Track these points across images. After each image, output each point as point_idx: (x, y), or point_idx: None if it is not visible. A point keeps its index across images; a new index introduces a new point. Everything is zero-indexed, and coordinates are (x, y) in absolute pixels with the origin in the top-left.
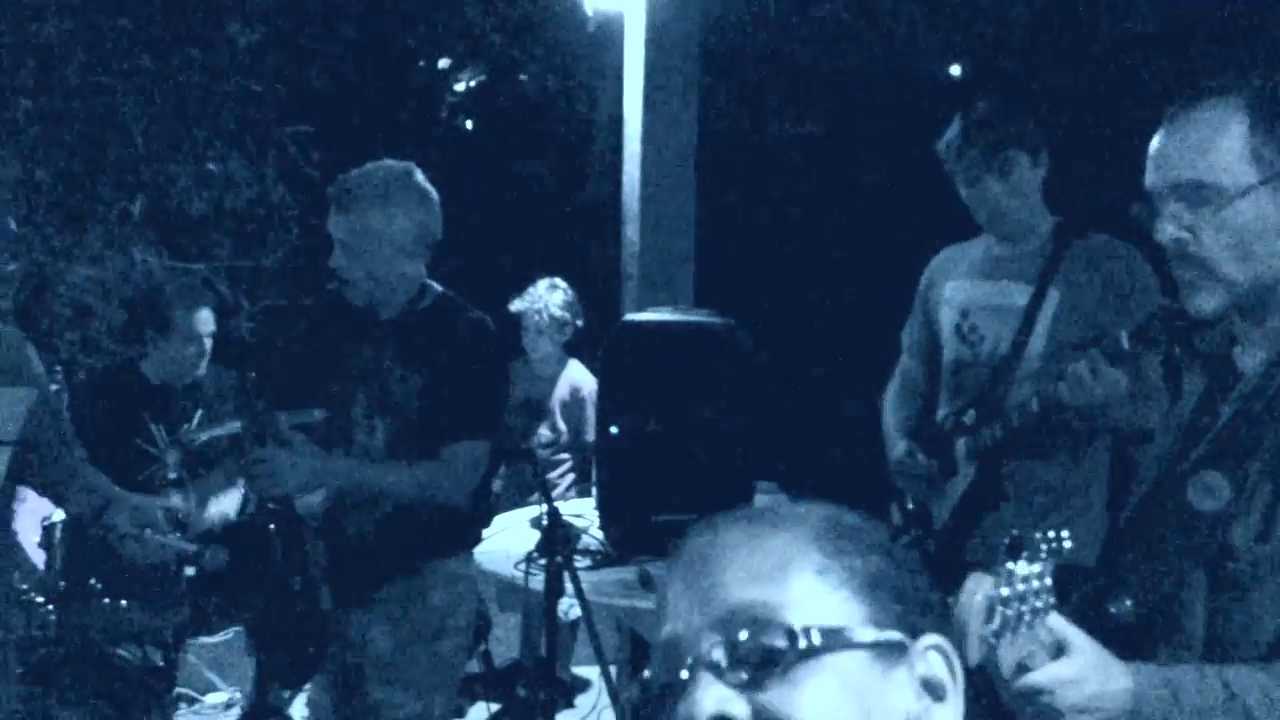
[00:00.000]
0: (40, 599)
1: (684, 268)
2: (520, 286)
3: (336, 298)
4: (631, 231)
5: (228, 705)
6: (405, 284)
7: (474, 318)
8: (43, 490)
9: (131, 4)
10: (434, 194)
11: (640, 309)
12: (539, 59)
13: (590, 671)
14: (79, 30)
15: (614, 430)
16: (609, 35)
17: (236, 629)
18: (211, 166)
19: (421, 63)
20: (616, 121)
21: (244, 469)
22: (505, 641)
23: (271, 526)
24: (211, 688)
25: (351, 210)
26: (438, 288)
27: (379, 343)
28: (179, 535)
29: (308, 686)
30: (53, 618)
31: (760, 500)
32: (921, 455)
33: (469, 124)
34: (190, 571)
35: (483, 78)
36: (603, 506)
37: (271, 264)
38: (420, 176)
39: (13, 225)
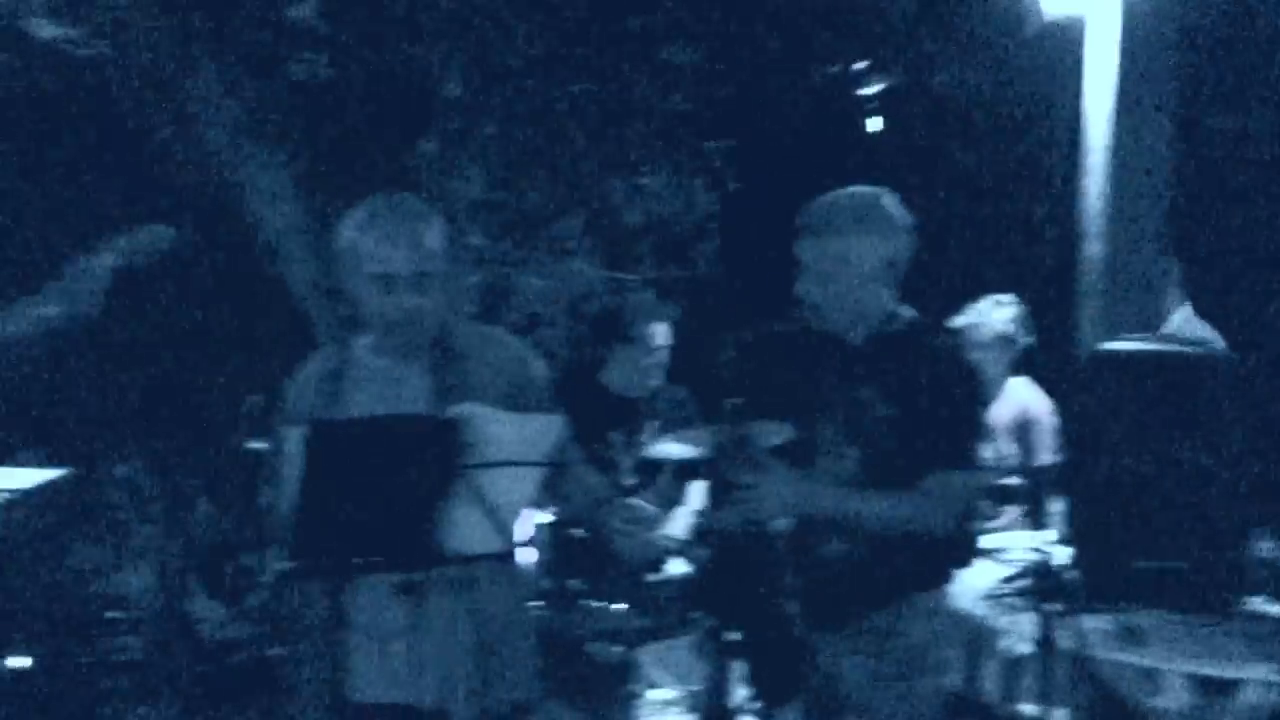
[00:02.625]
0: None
1: (1156, 290)
2: (954, 302)
3: (803, 323)
4: (1091, 248)
5: (667, 704)
6: (876, 309)
7: (950, 343)
8: (550, 497)
9: (577, 32)
10: (906, 219)
11: (1103, 331)
12: (969, 62)
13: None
14: (537, 59)
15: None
16: (1061, 38)
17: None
18: (644, 180)
19: (833, 66)
20: (1069, 129)
21: (722, 489)
22: None
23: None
24: (653, 684)
25: (823, 235)
26: (910, 312)
27: (848, 369)
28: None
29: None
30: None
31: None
32: None
33: (880, 126)
34: (670, 573)
35: (899, 80)
36: (1076, 546)
37: (694, 274)
38: (889, 201)
39: (475, 240)
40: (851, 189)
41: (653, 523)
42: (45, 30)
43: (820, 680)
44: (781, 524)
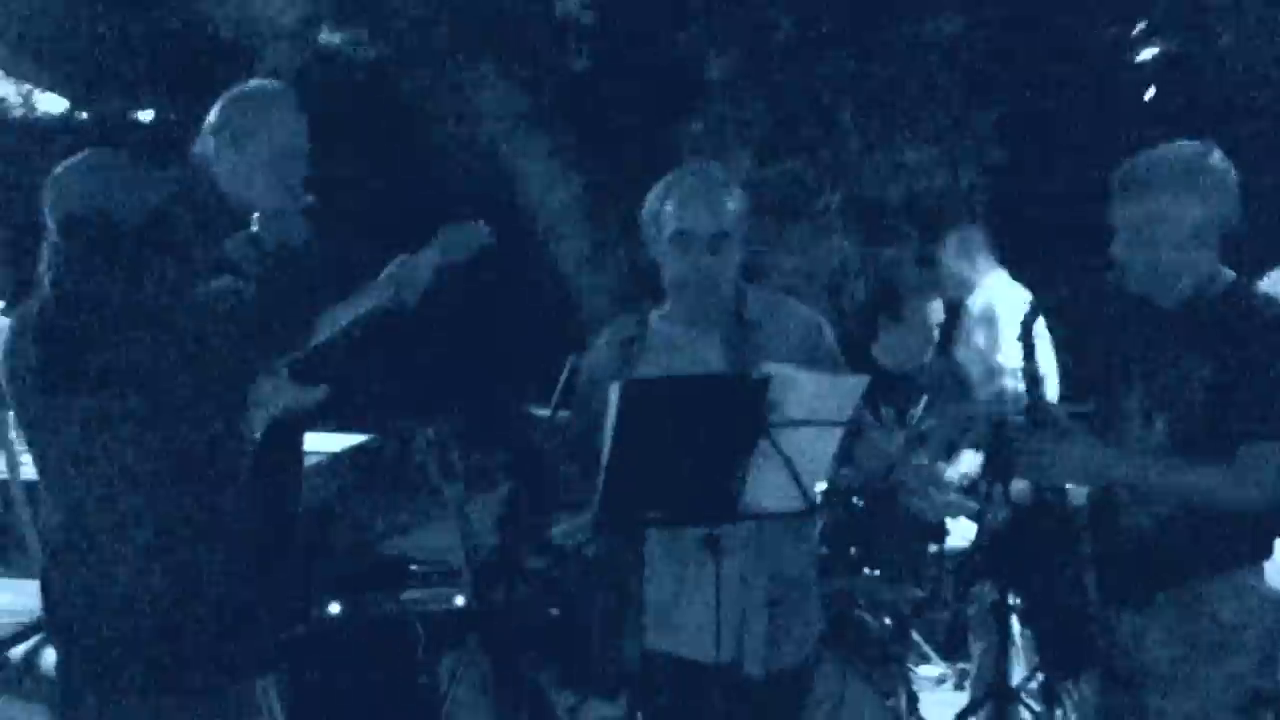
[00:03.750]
0: None
1: None
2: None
3: (1113, 286)
4: None
5: (939, 680)
6: (1193, 273)
7: (1273, 308)
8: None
9: (840, 6)
10: (1232, 176)
11: None
12: (1253, 23)
13: None
14: (800, 36)
15: None
16: None
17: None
18: (906, 155)
19: (1107, 31)
20: None
21: (1013, 454)
22: None
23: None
24: (926, 660)
25: (1141, 194)
26: (1229, 274)
27: (1160, 333)
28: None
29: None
30: None
31: None
32: None
33: (1150, 95)
34: (949, 545)
35: (1172, 46)
36: None
37: None
38: (1218, 156)
39: None
40: (1176, 143)
41: (947, 484)
42: (334, 36)
43: (1117, 655)
44: (1081, 491)
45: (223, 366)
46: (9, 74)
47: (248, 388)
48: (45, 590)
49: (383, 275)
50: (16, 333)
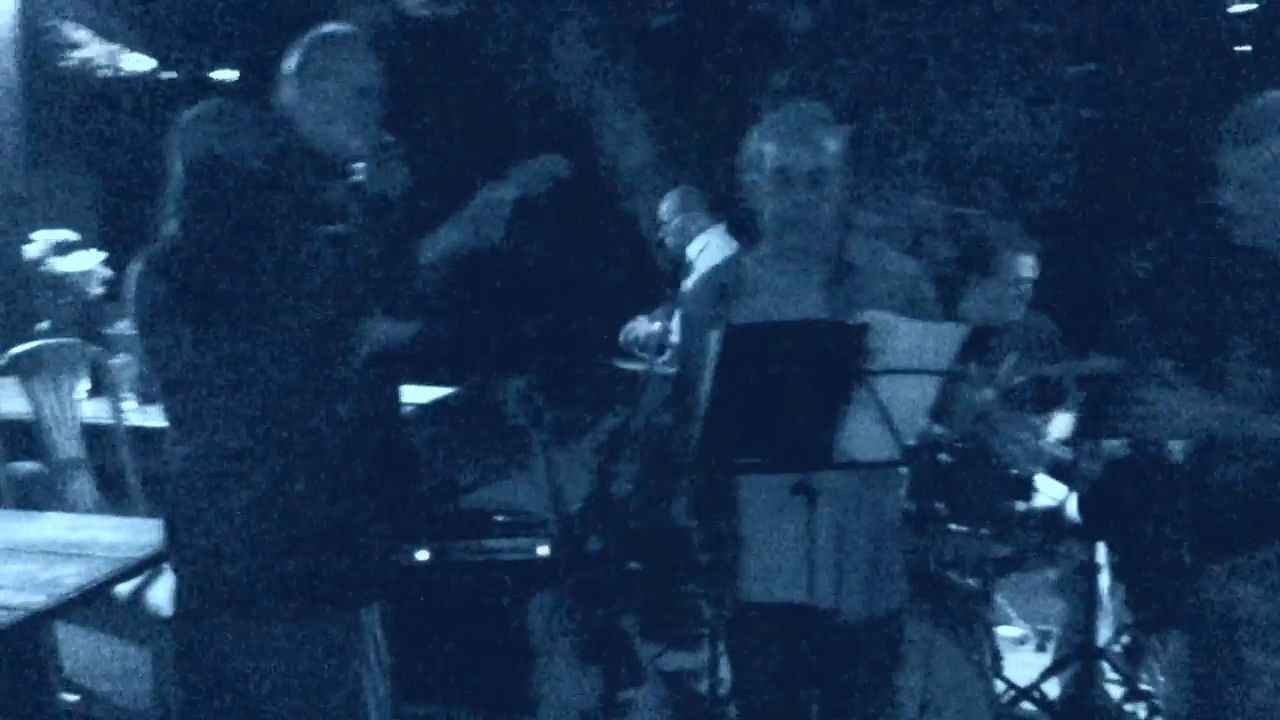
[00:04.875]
0: None
1: None
2: None
3: (1220, 236)
4: None
5: (1020, 641)
6: None
7: None
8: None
9: None
10: None
11: None
12: None
13: None
14: None
15: None
16: None
17: (1050, 569)
18: (991, 111)
19: None
20: None
21: (1118, 408)
22: None
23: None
24: (1007, 621)
25: (1252, 142)
26: None
27: (1272, 284)
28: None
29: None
30: None
31: None
32: None
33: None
34: (1036, 504)
35: None
36: None
37: (1042, 209)
38: None
39: None
40: None
41: (1040, 432)
42: None
43: (1210, 611)
44: (1179, 445)
45: (336, 308)
46: (97, 35)
47: (358, 328)
48: (168, 522)
49: (463, 212)
50: (145, 274)
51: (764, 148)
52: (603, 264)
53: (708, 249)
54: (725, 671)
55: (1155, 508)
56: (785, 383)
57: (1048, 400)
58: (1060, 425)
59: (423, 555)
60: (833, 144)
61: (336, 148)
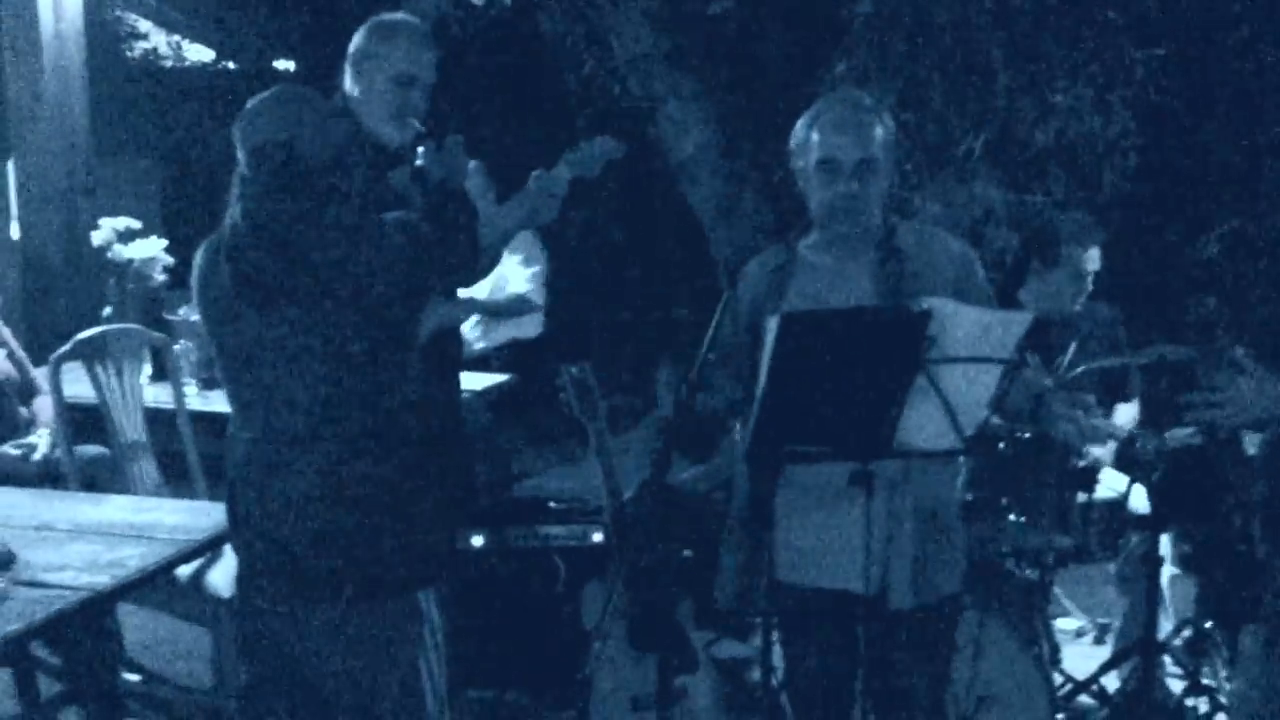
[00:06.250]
0: None
1: None
2: None
3: None
4: None
5: (1078, 634)
6: None
7: None
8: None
9: None
10: None
11: None
12: None
13: None
14: None
15: None
16: None
17: (1109, 560)
18: (1057, 98)
19: None
20: None
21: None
22: None
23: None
24: (1065, 613)
25: None
26: None
27: None
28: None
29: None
30: None
31: None
32: None
33: None
34: (1098, 495)
35: None
36: None
37: (1107, 197)
38: None
39: None
40: None
41: (1093, 410)
42: None
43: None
44: (1255, 437)
45: (397, 292)
46: (160, 26)
47: (420, 313)
48: (230, 504)
49: (519, 194)
50: (209, 260)
51: (811, 137)
52: (659, 252)
53: None
54: (778, 660)
55: (1228, 499)
56: (843, 369)
57: (1112, 390)
58: (1126, 415)
59: (478, 541)
60: (880, 133)
61: (375, 132)
